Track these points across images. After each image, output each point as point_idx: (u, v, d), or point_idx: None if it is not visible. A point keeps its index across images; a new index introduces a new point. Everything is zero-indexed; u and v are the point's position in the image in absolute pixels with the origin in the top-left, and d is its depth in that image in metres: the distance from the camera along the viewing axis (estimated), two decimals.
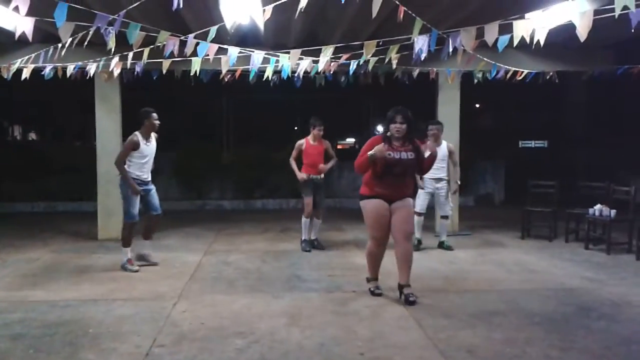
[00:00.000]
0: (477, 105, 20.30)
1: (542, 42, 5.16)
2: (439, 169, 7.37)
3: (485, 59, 7.58)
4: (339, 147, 32.21)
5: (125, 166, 6.31)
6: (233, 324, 4.45)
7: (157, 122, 6.49)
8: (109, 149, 8.50)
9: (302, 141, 7.51)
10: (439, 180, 7.52)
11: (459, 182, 7.67)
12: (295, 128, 25.62)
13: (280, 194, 12.79)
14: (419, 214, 7.49)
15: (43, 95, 18.02)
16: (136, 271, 6.29)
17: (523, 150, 16.46)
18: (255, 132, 16.50)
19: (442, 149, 7.43)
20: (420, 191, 7.54)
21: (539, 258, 7.03)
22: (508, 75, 8.12)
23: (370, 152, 4.90)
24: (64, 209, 12.17)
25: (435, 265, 6.62)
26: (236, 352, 3.89)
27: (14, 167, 12.75)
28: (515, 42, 5.39)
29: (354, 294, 5.37)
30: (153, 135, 6.54)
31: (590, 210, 7.59)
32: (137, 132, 6.36)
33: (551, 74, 8.61)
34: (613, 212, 7.38)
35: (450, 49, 5.87)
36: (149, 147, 6.43)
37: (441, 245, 7.69)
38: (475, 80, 8.54)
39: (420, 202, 7.55)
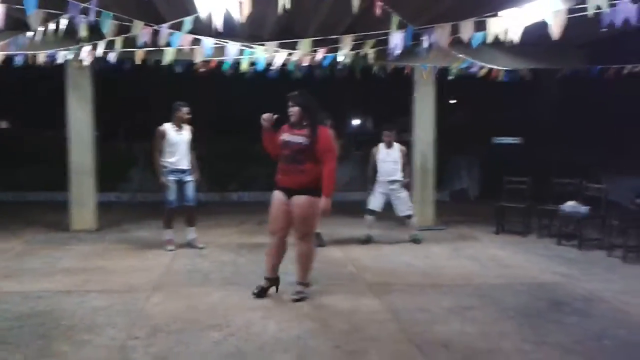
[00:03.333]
0: (453, 101, 20.45)
1: (515, 40, 5.22)
2: (393, 171, 7.53)
3: (460, 55, 7.64)
4: None
5: (163, 158, 6.78)
6: (208, 317, 4.43)
7: (188, 115, 6.91)
8: (81, 138, 8.39)
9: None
10: (393, 182, 7.54)
11: (407, 179, 7.71)
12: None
13: (257, 187, 12.73)
14: (371, 212, 7.61)
15: (14, 82, 17.64)
16: (171, 250, 6.84)
17: (498, 146, 16.63)
18: (231, 124, 16.38)
19: (395, 151, 7.58)
20: (375, 191, 7.61)
21: (512, 253, 7.12)
22: (483, 72, 8.19)
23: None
24: (35, 198, 11.95)
25: (410, 260, 6.66)
26: (212, 345, 3.86)
27: None
28: (489, 40, 5.45)
29: (330, 287, 5.37)
30: (186, 126, 6.92)
31: (563, 207, 7.72)
32: (165, 123, 6.80)
33: (525, 71, 8.72)
34: (585, 208, 7.51)
35: (426, 45, 5.90)
36: (180, 136, 6.80)
37: (412, 238, 7.72)
38: (451, 77, 8.60)
39: (374, 200, 7.61)
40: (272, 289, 5.06)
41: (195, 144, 7.05)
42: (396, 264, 6.43)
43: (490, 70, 8.21)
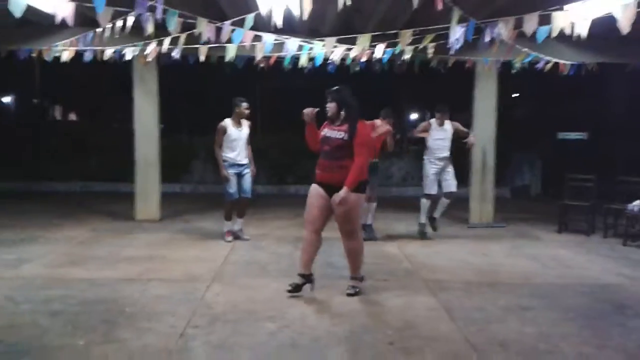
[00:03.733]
0: (515, 95, 19.92)
1: (583, 35, 5.04)
2: (443, 148, 7.54)
3: (524, 49, 7.44)
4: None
5: (223, 153, 6.99)
6: (265, 308, 4.51)
7: (247, 110, 7.06)
8: (147, 130, 8.66)
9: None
10: (442, 159, 7.55)
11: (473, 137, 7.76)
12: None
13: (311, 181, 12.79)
14: (427, 197, 7.58)
15: (83, 77, 18.37)
16: (229, 242, 7.05)
17: (561, 142, 16.09)
18: (288, 119, 16.55)
19: (447, 129, 7.57)
20: (426, 172, 7.61)
21: (575, 253, 6.91)
22: (548, 67, 7.94)
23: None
24: (102, 189, 12.44)
25: (467, 257, 6.57)
26: (267, 336, 3.94)
27: (54, 148, 13.07)
28: (555, 34, 5.28)
29: (385, 283, 5.37)
30: (245, 122, 7.10)
31: (630, 206, 7.43)
32: (226, 119, 7.00)
33: (592, 65, 8.41)
34: None
35: (488, 39, 5.78)
36: (240, 132, 7.00)
37: (432, 221, 7.69)
38: (514, 70, 8.39)
39: (428, 183, 7.60)
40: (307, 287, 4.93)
41: (251, 138, 7.20)
42: (453, 261, 6.35)
43: (556, 64, 7.95)
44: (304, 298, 4.82)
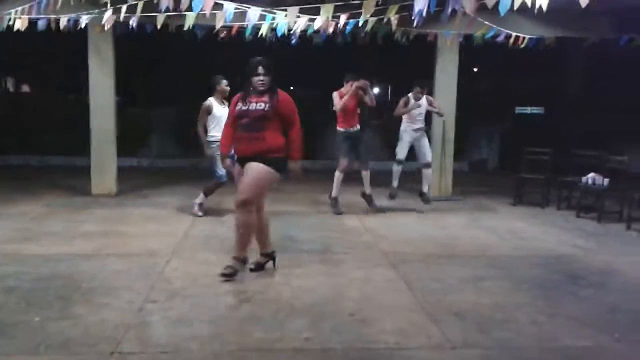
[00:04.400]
0: (475, 69, 20.11)
1: (544, 8, 5.08)
2: (418, 120, 7.80)
3: (485, 22, 7.48)
4: (334, 109, 31.93)
5: (210, 133, 6.83)
6: (224, 282, 4.48)
7: (227, 87, 6.94)
8: (102, 103, 8.43)
9: (336, 93, 7.39)
10: (418, 130, 7.80)
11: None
12: (291, 88, 25.41)
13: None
14: (399, 162, 7.85)
15: (36, 47, 17.71)
16: (200, 216, 6.98)
17: (519, 116, 16.37)
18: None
19: (423, 103, 7.79)
20: (401, 139, 7.85)
21: (530, 225, 7.09)
22: (511, 40, 8.02)
23: None
24: (57, 163, 12.11)
25: (426, 230, 6.66)
26: (228, 309, 3.93)
27: (7, 120, 12.62)
28: (516, 6, 5.31)
29: (345, 256, 5.41)
30: (225, 101, 6.90)
31: (583, 179, 7.63)
32: (210, 98, 6.86)
33: (551, 39, 8.52)
34: (606, 180, 7.41)
35: (450, 11, 5.78)
36: (224, 110, 6.72)
37: (422, 196, 7.96)
38: (475, 43, 8.44)
39: (401, 149, 7.84)
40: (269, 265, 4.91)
41: None
42: (412, 234, 6.43)
43: (516, 37, 8.03)
44: (264, 272, 4.81)
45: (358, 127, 7.45)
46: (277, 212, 7.33)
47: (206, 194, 7.09)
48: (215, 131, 6.73)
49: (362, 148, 7.54)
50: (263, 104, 4.47)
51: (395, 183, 7.89)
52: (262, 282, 4.54)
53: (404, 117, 7.83)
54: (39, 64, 19.84)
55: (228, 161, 4.90)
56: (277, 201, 7.53)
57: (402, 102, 7.88)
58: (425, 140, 7.92)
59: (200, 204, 7.09)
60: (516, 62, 15.27)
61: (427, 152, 7.91)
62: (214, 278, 4.57)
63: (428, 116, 8.12)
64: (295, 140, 4.61)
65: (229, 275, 4.51)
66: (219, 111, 6.80)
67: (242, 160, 4.59)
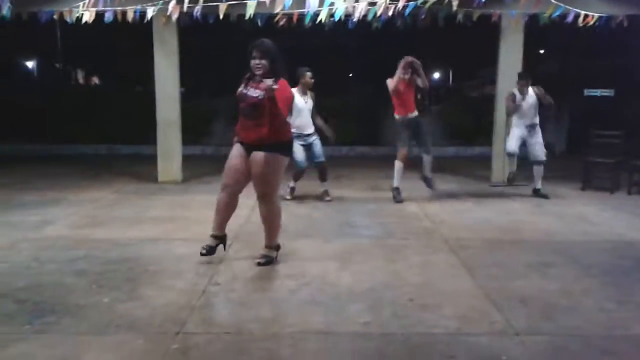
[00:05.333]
0: (541, 51, 19.44)
1: None
2: (532, 116, 7.53)
3: (552, 0, 7.20)
4: None
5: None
6: (284, 267, 4.55)
7: (311, 80, 6.98)
8: (167, 92, 8.65)
9: (390, 79, 7.17)
10: (530, 126, 7.59)
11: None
12: (350, 75, 25.31)
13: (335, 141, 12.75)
14: (510, 155, 7.68)
15: (104, 41, 18.37)
16: (287, 199, 7.18)
17: (588, 98, 15.72)
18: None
19: (531, 95, 7.50)
20: (512, 130, 7.67)
21: (599, 210, 6.82)
22: (580, 20, 7.69)
23: None
24: (126, 151, 12.58)
25: (489, 216, 6.52)
26: (288, 293, 3.98)
27: (78, 111, 13.19)
28: None
29: (406, 241, 5.37)
30: (310, 92, 7.08)
31: None
32: (293, 89, 6.73)
33: (621, 18, 8.12)
34: None
35: None
36: (305, 102, 6.97)
37: (536, 193, 7.70)
38: (542, 22, 8.14)
39: (511, 142, 7.64)
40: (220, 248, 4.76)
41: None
42: (474, 220, 6.32)
43: (585, 16, 7.70)
44: (324, 257, 4.85)
45: (416, 112, 7.26)
46: (337, 197, 7.39)
47: (295, 179, 7.35)
48: (296, 122, 6.74)
49: (423, 133, 7.37)
50: (259, 92, 4.28)
51: (511, 168, 7.80)
52: (322, 266, 4.58)
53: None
54: (107, 57, 20.59)
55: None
56: (336, 187, 7.58)
57: (507, 99, 7.64)
58: (539, 137, 7.65)
59: (292, 188, 7.37)
60: (585, 42, 14.66)
61: (539, 150, 7.64)
62: (274, 262, 4.65)
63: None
64: (275, 122, 4.42)
65: (265, 264, 4.57)
66: (300, 102, 6.88)
67: (248, 147, 4.49)
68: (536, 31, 8.77)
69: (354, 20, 7.73)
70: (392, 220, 6.29)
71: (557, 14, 7.69)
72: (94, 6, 7.29)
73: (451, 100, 18.84)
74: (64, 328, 3.39)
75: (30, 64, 26.10)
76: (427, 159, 7.42)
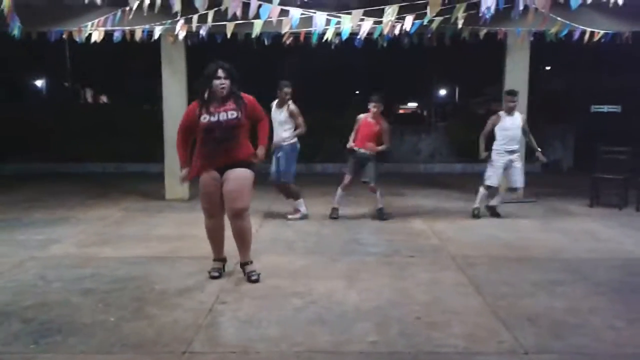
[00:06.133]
0: (547, 68, 19.48)
1: (619, 1, 4.87)
2: (513, 140, 7.12)
3: (558, 18, 7.23)
4: (400, 111, 31.69)
5: None
6: (291, 285, 4.54)
7: (287, 95, 6.95)
8: (174, 111, 8.68)
9: (361, 116, 7.27)
10: (512, 152, 7.16)
11: (539, 150, 7.34)
12: (357, 92, 25.44)
13: (340, 159, 12.79)
14: (488, 188, 7.25)
15: (113, 60, 18.56)
16: (297, 219, 7.16)
17: (595, 115, 15.71)
18: (316, 97, 16.47)
19: (517, 119, 7.17)
20: (492, 164, 7.19)
21: (607, 226, 6.78)
22: (586, 37, 7.70)
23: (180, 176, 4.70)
24: (133, 169, 12.63)
25: (496, 233, 6.49)
26: (294, 311, 3.97)
27: (86, 129, 13.29)
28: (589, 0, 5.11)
29: (412, 259, 5.35)
30: (289, 104, 6.99)
31: None
32: (274, 101, 7.07)
33: (627, 34, 8.14)
34: None
35: (521, 7, 5.63)
36: (278, 114, 7.00)
37: (491, 210, 7.40)
38: (548, 39, 8.17)
39: (494, 175, 7.17)
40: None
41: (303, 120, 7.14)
42: (482, 237, 6.29)
43: (591, 34, 7.72)
44: (331, 275, 4.83)
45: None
46: (342, 215, 7.37)
47: (294, 198, 7.31)
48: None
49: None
50: (235, 112, 4.40)
51: (478, 204, 7.37)
52: (329, 284, 4.56)
53: (498, 136, 7.17)
54: (116, 75, 20.78)
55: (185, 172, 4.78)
56: (342, 205, 7.56)
57: (489, 122, 7.26)
58: (519, 163, 7.27)
59: (297, 210, 7.28)
60: (591, 59, 14.69)
61: (518, 178, 7.22)
62: (281, 280, 4.65)
63: None
64: (266, 129, 4.76)
65: (258, 279, 4.63)
66: (275, 114, 6.98)
67: (219, 169, 4.52)
68: (542, 48, 8.78)
69: (360, 38, 7.78)
70: (399, 237, 6.27)
71: (564, 33, 7.72)
72: (102, 26, 7.37)
73: (458, 117, 18.90)
74: (70, 347, 3.38)
75: (39, 83, 26.37)
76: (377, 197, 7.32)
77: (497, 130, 7.17)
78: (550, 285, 4.55)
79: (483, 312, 3.99)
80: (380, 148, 7.11)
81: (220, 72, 4.38)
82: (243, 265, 4.75)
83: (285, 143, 7.03)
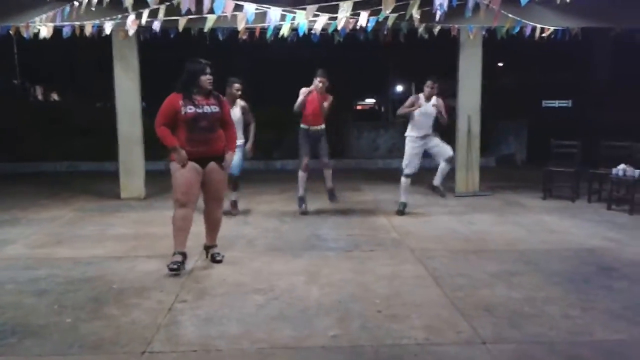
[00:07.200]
0: (500, 64, 19.90)
1: None
2: (428, 127, 7.06)
3: (510, 15, 7.38)
4: (358, 107, 31.80)
5: None
6: (253, 281, 4.52)
7: (238, 91, 6.96)
8: (128, 108, 8.53)
9: (305, 90, 7.09)
10: (425, 136, 7.07)
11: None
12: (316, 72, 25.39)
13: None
14: (407, 176, 7.20)
15: (63, 56, 18.03)
16: (234, 215, 7.13)
17: (546, 110, 16.15)
18: (273, 92, 16.39)
19: (433, 105, 7.03)
20: (407, 150, 7.15)
21: (560, 218, 6.97)
22: (537, 34, 7.88)
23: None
24: (87, 168, 12.32)
25: (453, 226, 6.60)
26: (256, 308, 3.95)
27: (37, 128, 12.89)
28: None
29: (372, 253, 5.39)
30: (239, 101, 6.99)
31: (614, 170, 7.47)
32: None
33: (576, 30, 8.38)
34: (637, 172, 7.25)
35: (471, 4, 5.72)
36: (233, 112, 6.66)
37: (434, 189, 7.37)
38: (499, 36, 8.34)
39: (409, 163, 7.14)
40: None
41: (252, 115, 7.11)
42: (440, 230, 6.38)
43: (542, 31, 7.91)
44: (292, 271, 4.83)
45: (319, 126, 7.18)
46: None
47: (231, 190, 7.09)
48: None
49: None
50: (216, 107, 4.80)
51: (404, 199, 7.30)
52: (290, 280, 4.55)
53: (410, 121, 7.12)
54: (66, 72, 20.22)
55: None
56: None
57: (409, 101, 7.13)
58: (436, 139, 7.10)
59: (234, 201, 7.24)
60: (542, 55, 15.07)
61: (443, 149, 7.09)
62: (242, 277, 4.62)
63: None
64: (234, 136, 5.14)
65: (219, 262, 5.04)
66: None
67: (202, 161, 4.78)
68: (494, 45, 8.95)
69: (316, 34, 7.77)
70: (359, 232, 6.31)
71: (516, 30, 7.89)
72: (51, 21, 7.16)
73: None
74: (25, 350, 3.29)
75: None
76: (327, 174, 7.36)
77: (413, 114, 7.05)
78: (506, 276, 4.66)
79: (442, 303, 4.05)
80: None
81: (207, 69, 4.76)
82: (209, 247, 5.14)
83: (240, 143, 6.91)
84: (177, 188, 4.76)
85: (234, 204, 7.31)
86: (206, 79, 4.74)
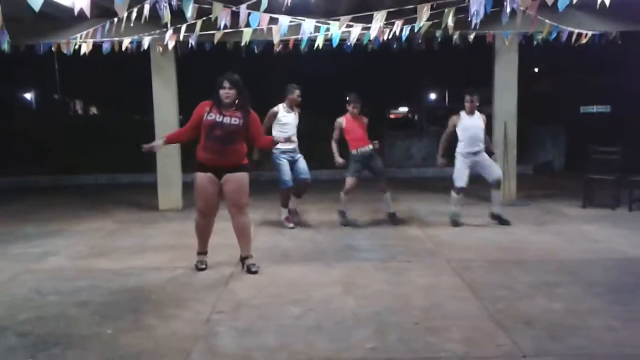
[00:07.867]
0: (536, 70, 19.61)
1: (606, 2, 4.91)
2: (479, 141, 6.91)
3: (546, 20, 7.28)
4: (391, 116, 31.71)
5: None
6: (288, 292, 4.53)
7: (299, 98, 7.06)
8: (166, 121, 8.68)
9: (340, 119, 7.20)
10: (477, 153, 6.92)
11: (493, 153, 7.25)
12: (347, 98, 25.51)
13: (333, 165, 12.79)
14: (457, 191, 7.04)
15: (102, 71, 18.50)
16: (291, 228, 7.06)
17: (585, 115, 15.82)
18: (307, 102, 16.47)
19: (478, 119, 6.98)
20: (457, 165, 7.01)
21: (601, 227, 6.81)
22: (573, 38, 7.76)
23: None
24: (127, 180, 12.59)
25: (491, 236, 6.51)
26: (292, 319, 3.96)
27: (77, 141, 13.24)
28: (576, 0, 5.15)
29: (409, 264, 5.35)
30: (296, 108, 7.13)
31: None
32: (279, 104, 7.01)
33: (614, 34, 8.21)
34: None
35: (508, 10, 5.66)
36: (288, 117, 6.98)
37: (495, 218, 7.15)
38: (535, 42, 8.23)
39: (459, 176, 6.97)
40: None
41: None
42: (477, 240, 6.30)
43: (579, 36, 7.78)
44: (328, 281, 4.83)
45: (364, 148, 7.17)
46: (336, 221, 7.36)
47: (284, 205, 7.18)
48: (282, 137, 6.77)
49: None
50: (237, 120, 4.91)
51: (455, 210, 7.11)
52: (326, 291, 4.55)
53: (459, 137, 6.98)
54: (106, 86, 20.71)
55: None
56: (335, 211, 7.55)
57: (450, 122, 7.06)
58: (487, 158, 6.97)
59: (287, 218, 7.18)
60: (580, 60, 14.80)
61: (493, 169, 6.95)
62: (278, 288, 4.63)
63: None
64: (265, 141, 5.45)
65: (258, 270, 5.11)
66: (285, 118, 6.93)
67: (217, 171, 4.97)
68: (531, 50, 8.84)
69: (350, 44, 7.80)
70: (394, 242, 6.27)
71: (553, 35, 7.77)
72: (91, 37, 7.36)
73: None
74: None
75: (29, 96, 26.24)
76: (386, 197, 7.35)
77: (458, 131, 7.00)
78: (546, 287, 4.57)
79: (481, 316, 3.99)
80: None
81: (225, 83, 4.90)
82: (243, 258, 5.21)
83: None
84: (197, 198, 5.09)
85: (293, 212, 7.37)
86: (223, 93, 4.90)
